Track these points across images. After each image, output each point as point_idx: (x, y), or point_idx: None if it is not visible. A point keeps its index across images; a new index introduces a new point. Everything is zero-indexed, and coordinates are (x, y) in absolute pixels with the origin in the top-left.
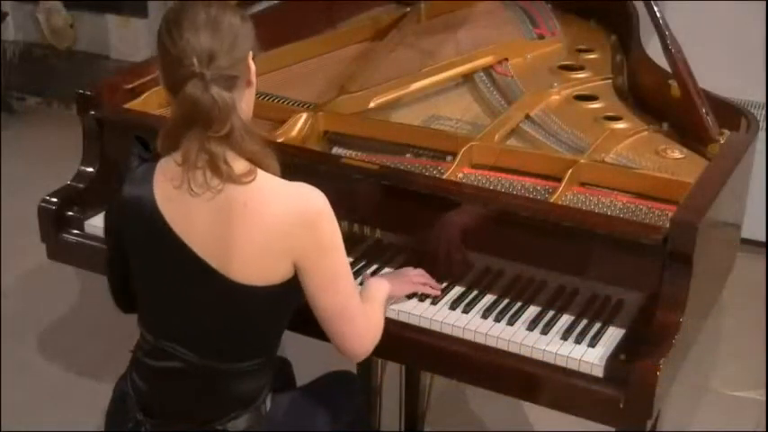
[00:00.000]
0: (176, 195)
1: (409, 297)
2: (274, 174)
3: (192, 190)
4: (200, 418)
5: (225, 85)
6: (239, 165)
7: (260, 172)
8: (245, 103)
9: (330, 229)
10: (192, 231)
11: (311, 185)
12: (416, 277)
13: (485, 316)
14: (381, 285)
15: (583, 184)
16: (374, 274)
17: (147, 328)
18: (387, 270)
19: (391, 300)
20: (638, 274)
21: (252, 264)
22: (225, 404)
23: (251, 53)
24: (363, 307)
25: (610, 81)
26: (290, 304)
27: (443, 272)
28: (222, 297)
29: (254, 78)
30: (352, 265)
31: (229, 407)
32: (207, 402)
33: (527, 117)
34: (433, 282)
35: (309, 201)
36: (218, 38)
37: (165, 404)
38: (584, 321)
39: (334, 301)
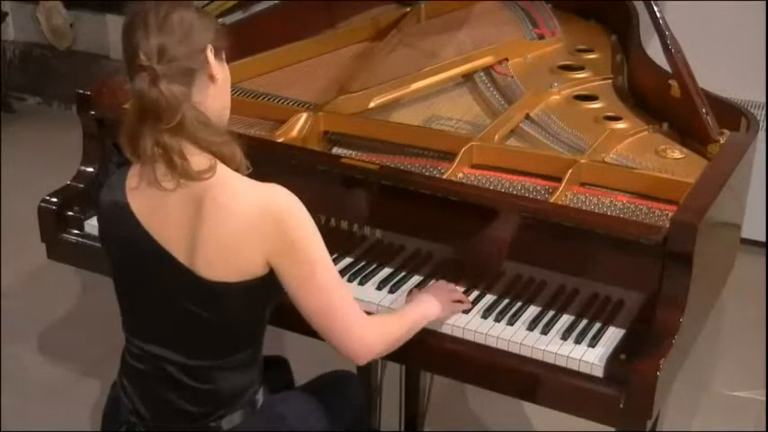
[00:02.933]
0: (148, 195)
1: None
2: (240, 164)
3: (159, 184)
4: (192, 417)
5: (180, 79)
6: (198, 160)
7: (229, 171)
8: (210, 98)
9: (299, 226)
10: (165, 230)
11: (281, 185)
12: (452, 296)
13: (485, 316)
14: (416, 309)
15: (583, 184)
16: (374, 274)
17: (130, 331)
18: (387, 270)
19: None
20: (638, 274)
21: (221, 261)
22: (214, 401)
23: (210, 47)
24: (356, 305)
25: (610, 81)
26: (266, 300)
27: (444, 272)
28: (196, 295)
29: (216, 73)
30: (353, 265)
31: (219, 403)
32: (195, 401)
33: (527, 117)
34: (463, 297)
35: (277, 198)
36: (167, 32)
37: (156, 406)
38: (584, 321)
39: (314, 297)
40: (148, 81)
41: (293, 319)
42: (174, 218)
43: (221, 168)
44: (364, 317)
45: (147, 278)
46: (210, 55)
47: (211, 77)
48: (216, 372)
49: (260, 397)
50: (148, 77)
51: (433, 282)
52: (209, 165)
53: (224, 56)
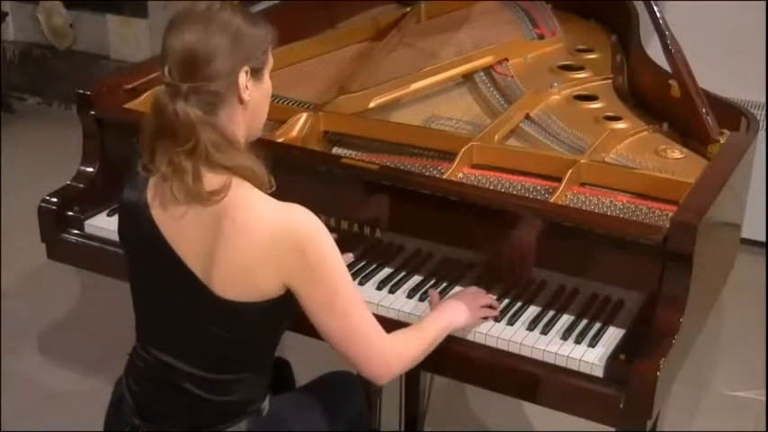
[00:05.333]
0: (167, 208)
1: (410, 297)
2: (262, 182)
3: (175, 199)
4: (197, 424)
5: (204, 101)
6: (212, 177)
7: (249, 188)
8: (239, 118)
9: (320, 252)
10: (183, 241)
11: (302, 206)
12: (480, 305)
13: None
14: (439, 318)
15: (583, 184)
16: (374, 274)
17: (143, 336)
18: (387, 270)
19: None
20: (638, 274)
21: (237, 281)
22: (223, 411)
23: (246, 68)
24: (376, 324)
25: (610, 81)
26: (280, 321)
27: (443, 272)
28: (211, 311)
29: (247, 97)
30: (353, 265)
31: (226, 413)
32: (203, 410)
33: (527, 117)
34: (493, 302)
35: (295, 220)
36: (204, 44)
37: (160, 409)
38: (584, 321)
39: (333, 320)
40: (168, 96)
41: (293, 320)
42: (193, 233)
43: (242, 186)
44: (384, 336)
45: (163, 287)
46: (243, 78)
47: (240, 100)
48: (226, 384)
49: (266, 405)
50: (168, 93)
51: (460, 288)
52: (222, 185)
53: (266, 74)
